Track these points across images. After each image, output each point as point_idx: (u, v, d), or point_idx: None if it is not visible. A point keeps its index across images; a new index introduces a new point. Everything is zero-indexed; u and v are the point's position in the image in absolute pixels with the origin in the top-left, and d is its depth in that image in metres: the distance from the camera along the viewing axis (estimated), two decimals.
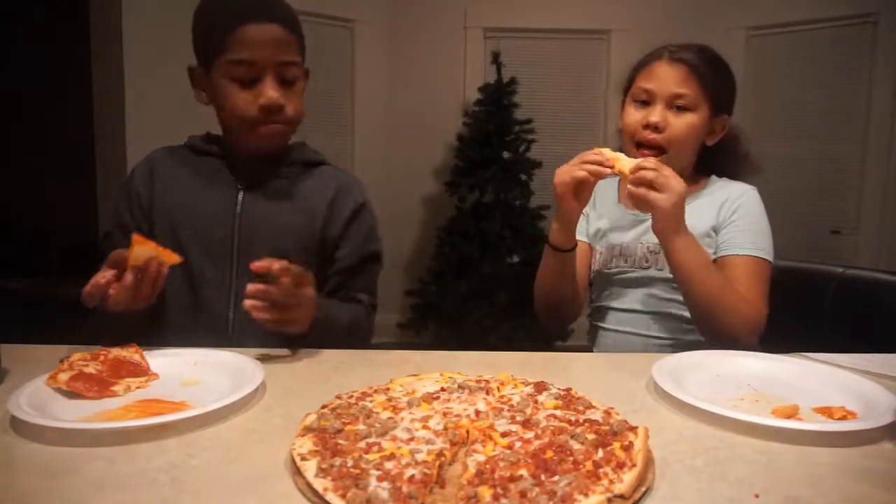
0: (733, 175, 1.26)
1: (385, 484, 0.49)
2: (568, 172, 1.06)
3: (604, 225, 1.29)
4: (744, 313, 1.05)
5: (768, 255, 1.14)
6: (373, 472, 0.51)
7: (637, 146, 1.18)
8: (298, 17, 1.09)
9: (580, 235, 1.28)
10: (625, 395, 0.77)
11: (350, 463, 0.53)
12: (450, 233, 3.68)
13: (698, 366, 0.85)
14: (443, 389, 0.72)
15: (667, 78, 1.17)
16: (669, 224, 1.02)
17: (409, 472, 0.51)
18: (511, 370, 0.87)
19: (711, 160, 1.25)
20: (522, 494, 0.48)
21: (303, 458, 0.54)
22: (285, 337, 0.95)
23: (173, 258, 0.89)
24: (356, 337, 1.09)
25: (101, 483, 0.53)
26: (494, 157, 3.59)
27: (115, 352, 0.81)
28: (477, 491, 0.49)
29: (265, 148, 1.09)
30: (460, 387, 0.72)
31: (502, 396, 0.70)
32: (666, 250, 1.06)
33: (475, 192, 3.65)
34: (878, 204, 3.46)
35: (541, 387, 0.72)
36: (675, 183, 1.00)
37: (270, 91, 1.02)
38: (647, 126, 1.17)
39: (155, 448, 0.60)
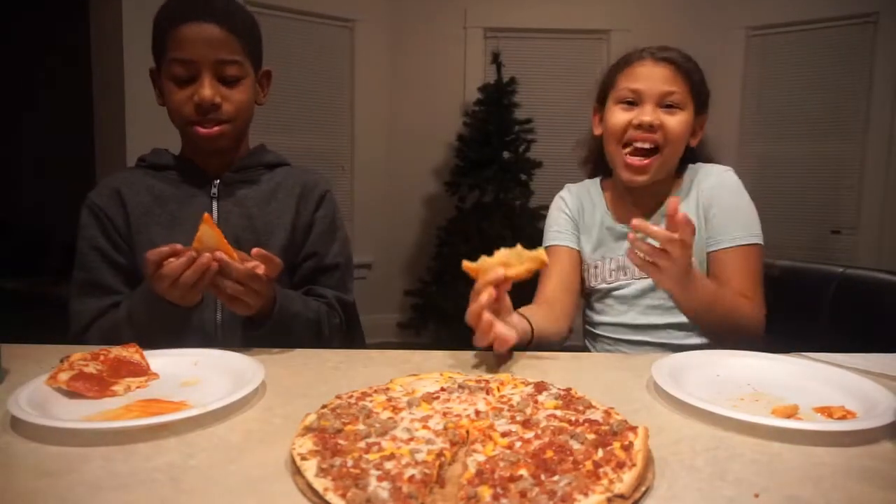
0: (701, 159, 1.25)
1: (385, 484, 0.49)
2: (476, 308, 0.89)
3: (594, 240, 1.26)
4: (750, 316, 1.06)
5: (757, 237, 1.13)
6: (373, 471, 0.51)
7: (625, 146, 1.16)
8: (244, 18, 1.11)
9: (568, 242, 1.27)
10: (625, 395, 0.77)
11: (350, 463, 0.52)
12: (450, 233, 3.68)
13: (698, 366, 0.85)
14: (443, 389, 0.72)
15: (655, 77, 1.15)
16: (675, 288, 0.99)
17: (409, 472, 0.51)
18: (511, 370, 0.87)
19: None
20: (522, 494, 0.48)
21: (303, 458, 0.54)
22: (246, 324, 0.99)
23: (231, 255, 0.90)
24: (323, 333, 1.09)
25: (100, 483, 0.53)
26: (494, 157, 3.60)
27: (115, 352, 0.81)
28: (477, 491, 0.49)
29: (207, 147, 1.10)
30: (460, 387, 0.72)
31: (502, 396, 0.70)
32: (673, 299, 1.06)
33: (475, 192, 3.65)
34: (878, 204, 3.46)
35: (541, 387, 0.72)
36: (678, 254, 0.90)
37: (205, 89, 1.04)
38: (639, 126, 1.14)
39: (154, 448, 0.60)
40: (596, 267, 1.24)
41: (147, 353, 0.84)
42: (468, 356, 0.94)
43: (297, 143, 3.55)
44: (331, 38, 3.80)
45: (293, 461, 0.55)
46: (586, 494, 0.48)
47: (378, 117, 4.00)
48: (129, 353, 0.82)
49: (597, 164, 1.32)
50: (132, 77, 3.02)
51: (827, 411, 0.71)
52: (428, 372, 0.80)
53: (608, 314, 1.23)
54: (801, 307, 1.32)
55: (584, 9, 3.91)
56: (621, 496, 0.49)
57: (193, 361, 0.84)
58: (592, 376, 0.86)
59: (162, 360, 0.83)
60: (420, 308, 3.67)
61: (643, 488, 0.52)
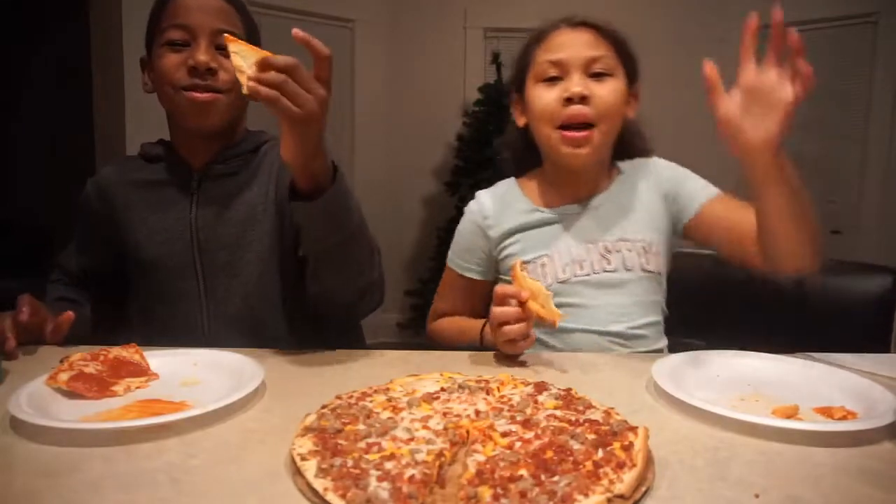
0: (638, 140, 1.16)
1: (385, 484, 0.49)
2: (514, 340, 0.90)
3: (523, 239, 1.12)
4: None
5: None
6: (373, 472, 0.51)
7: (560, 128, 1.04)
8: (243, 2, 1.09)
9: (473, 275, 1.17)
10: (625, 395, 0.77)
11: (350, 463, 0.52)
12: (450, 233, 3.67)
13: (698, 366, 0.85)
14: (443, 389, 0.72)
15: (576, 43, 1.04)
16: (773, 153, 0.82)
17: (409, 472, 0.51)
18: (511, 370, 0.87)
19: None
20: (522, 494, 0.48)
21: (303, 458, 0.54)
22: (296, 132, 0.80)
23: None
24: (375, 260, 0.96)
25: (100, 483, 0.53)
26: (494, 158, 3.59)
27: (115, 352, 0.81)
28: (477, 491, 0.49)
29: (197, 122, 1.04)
30: (460, 387, 0.72)
31: (502, 396, 0.70)
32: (765, 181, 0.85)
33: (475, 192, 3.65)
34: (879, 204, 3.46)
35: (541, 387, 0.72)
36: (797, 91, 0.80)
37: (200, 53, 1.00)
38: (569, 100, 1.02)
39: (155, 448, 0.60)
40: (543, 265, 1.09)
41: (147, 353, 0.84)
42: (468, 356, 0.94)
43: None
44: (331, 38, 3.78)
45: (293, 461, 0.55)
46: (586, 495, 0.48)
47: (378, 117, 4.00)
48: (128, 353, 0.82)
49: (527, 160, 1.18)
50: (132, 77, 3.02)
51: (827, 412, 0.71)
52: (428, 372, 0.80)
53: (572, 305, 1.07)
54: (801, 307, 1.32)
55: (584, 9, 3.90)
56: (621, 496, 0.49)
57: (193, 361, 0.84)
58: (592, 376, 0.86)
59: (162, 360, 0.83)
60: (420, 308, 3.67)
61: (643, 488, 0.52)
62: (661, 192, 1.11)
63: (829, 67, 3.52)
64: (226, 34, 0.84)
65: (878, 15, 3.37)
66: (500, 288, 0.92)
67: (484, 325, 1.04)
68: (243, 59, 0.79)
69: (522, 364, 0.91)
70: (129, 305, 1.15)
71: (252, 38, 1.08)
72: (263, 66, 0.76)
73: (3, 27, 4.17)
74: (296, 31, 0.76)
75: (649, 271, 1.08)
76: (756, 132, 0.81)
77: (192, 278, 1.07)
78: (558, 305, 0.90)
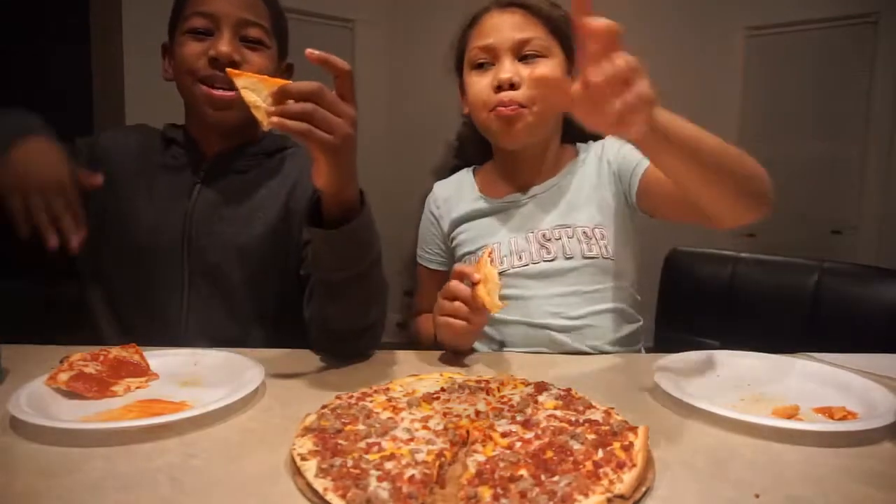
0: (585, 135, 1.14)
1: (385, 484, 0.49)
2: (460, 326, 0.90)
3: (465, 234, 1.12)
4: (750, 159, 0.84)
5: None
6: (373, 472, 0.51)
7: (493, 114, 1.02)
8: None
9: (436, 265, 1.18)
10: (625, 395, 0.77)
11: (350, 463, 0.52)
12: None
13: (698, 366, 0.85)
14: (443, 389, 0.72)
15: (504, 26, 1.01)
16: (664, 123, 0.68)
17: (409, 472, 0.51)
18: (511, 370, 0.87)
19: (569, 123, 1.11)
20: (522, 495, 0.48)
21: (303, 459, 0.54)
22: (327, 157, 0.74)
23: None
24: (384, 296, 0.91)
25: (100, 483, 0.53)
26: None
27: (115, 352, 0.81)
28: (477, 491, 0.49)
29: (213, 118, 1.01)
30: (460, 387, 0.72)
31: (502, 396, 0.70)
32: (666, 159, 0.76)
33: None
34: (878, 204, 3.46)
35: (541, 387, 0.72)
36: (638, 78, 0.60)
37: (223, 45, 0.96)
38: (499, 88, 1.00)
39: (155, 448, 0.60)
40: (492, 252, 1.03)
41: (147, 353, 0.84)
42: (468, 356, 0.94)
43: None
44: (331, 38, 3.79)
45: (293, 461, 0.55)
46: (586, 495, 0.48)
47: (378, 117, 4.00)
48: (128, 353, 0.82)
49: (479, 150, 1.17)
50: (132, 76, 3.02)
51: (828, 412, 0.71)
52: (428, 372, 0.80)
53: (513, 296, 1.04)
54: (802, 307, 1.32)
55: None
56: (621, 496, 0.49)
57: (193, 361, 0.84)
58: (592, 376, 0.86)
59: (162, 360, 0.83)
60: None
61: (643, 489, 0.52)
62: (611, 170, 1.08)
63: (829, 67, 3.52)
64: (228, 69, 0.78)
65: (878, 15, 3.37)
66: (458, 265, 0.93)
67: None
68: (255, 92, 0.73)
69: (463, 364, 0.90)
70: (90, 287, 1.07)
71: (280, 31, 1.06)
72: (281, 95, 0.70)
73: (3, 27, 4.17)
74: (310, 52, 0.70)
75: (592, 257, 1.03)
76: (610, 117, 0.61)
77: (177, 267, 1.02)
78: (501, 298, 0.88)
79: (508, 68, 1.00)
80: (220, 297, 1.03)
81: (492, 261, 0.92)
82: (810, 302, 1.28)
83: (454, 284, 0.91)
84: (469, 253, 1.11)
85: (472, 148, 1.20)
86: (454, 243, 1.15)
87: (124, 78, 3.04)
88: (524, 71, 1.00)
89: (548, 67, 1.01)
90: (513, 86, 1.00)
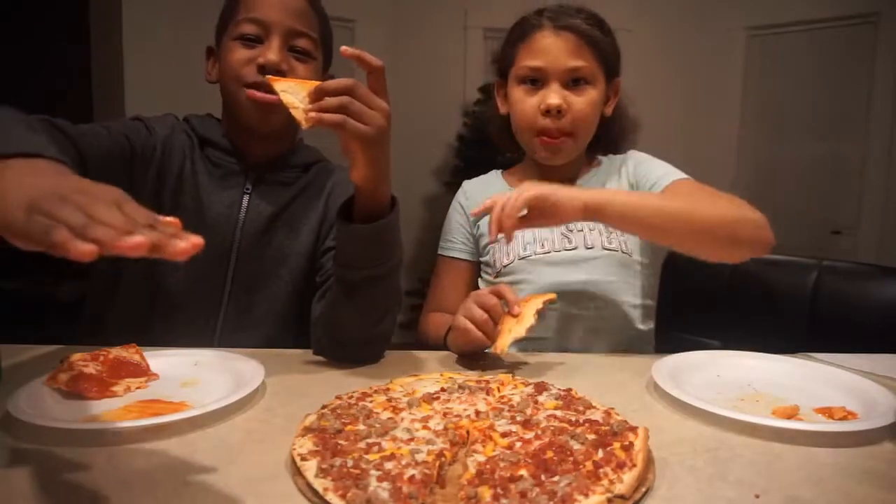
0: (620, 135, 1.18)
1: (385, 484, 0.49)
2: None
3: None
4: (745, 208, 0.94)
5: (681, 174, 1.07)
6: (373, 472, 0.51)
7: (538, 135, 1.07)
8: (323, 9, 1.07)
9: (459, 253, 1.19)
10: (625, 395, 0.77)
11: (350, 463, 0.52)
12: None
13: (698, 366, 0.85)
14: (443, 389, 0.72)
15: (556, 51, 1.03)
16: (571, 212, 0.88)
17: (409, 472, 0.51)
18: (511, 370, 0.87)
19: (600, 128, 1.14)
20: (522, 495, 0.48)
21: (303, 459, 0.54)
22: (363, 147, 0.78)
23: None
24: (391, 290, 0.89)
25: (100, 483, 0.53)
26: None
27: (115, 352, 0.81)
28: (477, 491, 0.49)
29: (257, 123, 0.99)
30: (460, 387, 0.72)
31: (502, 396, 0.70)
32: (604, 221, 0.93)
33: None
34: (879, 204, 3.46)
35: (541, 387, 0.72)
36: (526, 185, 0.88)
37: (272, 53, 0.96)
38: (546, 112, 1.04)
39: (155, 448, 0.60)
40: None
41: (147, 353, 0.84)
42: (468, 356, 0.94)
43: None
44: None
45: (293, 461, 0.55)
46: (586, 495, 0.48)
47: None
48: (128, 353, 0.82)
49: (512, 140, 1.20)
50: (132, 77, 3.02)
51: (828, 412, 0.71)
52: (428, 372, 0.80)
53: (532, 284, 1.08)
54: (802, 307, 1.32)
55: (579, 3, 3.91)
56: (621, 497, 0.49)
57: (193, 361, 0.84)
58: (593, 377, 0.86)
59: (162, 361, 0.83)
60: (420, 308, 3.67)
61: (643, 489, 0.52)
62: (629, 184, 1.13)
63: (829, 67, 3.52)
64: (268, 76, 0.82)
65: (879, 15, 3.37)
66: (506, 287, 0.92)
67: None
68: (293, 94, 0.77)
69: (479, 366, 0.90)
70: (124, 293, 1.02)
71: (326, 43, 1.08)
72: (318, 93, 0.75)
73: (3, 27, 4.17)
74: (344, 49, 0.76)
75: (612, 249, 1.07)
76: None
77: (219, 284, 1.02)
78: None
79: (557, 94, 1.03)
80: (258, 308, 1.03)
81: (539, 315, 0.89)
82: (810, 301, 1.28)
83: (493, 301, 0.90)
84: (492, 242, 1.13)
85: (503, 137, 1.21)
86: (479, 231, 1.18)
87: (124, 78, 3.03)
88: (572, 98, 1.04)
89: (592, 95, 1.06)
90: (559, 112, 1.03)
